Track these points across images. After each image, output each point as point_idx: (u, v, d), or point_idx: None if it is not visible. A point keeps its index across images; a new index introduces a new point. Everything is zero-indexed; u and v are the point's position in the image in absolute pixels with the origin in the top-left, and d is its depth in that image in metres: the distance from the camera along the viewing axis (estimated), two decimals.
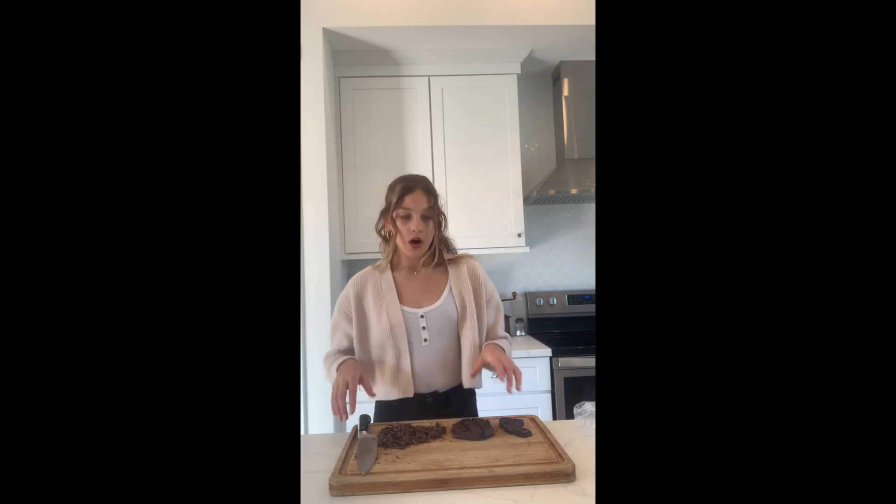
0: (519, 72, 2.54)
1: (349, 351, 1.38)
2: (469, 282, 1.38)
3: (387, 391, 1.33)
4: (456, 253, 1.44)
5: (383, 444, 1.04)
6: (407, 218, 1.31)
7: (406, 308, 1.34)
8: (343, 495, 0.86)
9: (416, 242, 1.32)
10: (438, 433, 1.10)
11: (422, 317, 1.34)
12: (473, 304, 1.36)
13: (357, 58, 2.44)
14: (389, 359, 1.33)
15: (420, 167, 2.47)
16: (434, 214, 1.33)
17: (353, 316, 1.37)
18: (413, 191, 1.31)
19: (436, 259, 1.38)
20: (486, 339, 1.38)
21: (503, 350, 1.31)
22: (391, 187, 1.36)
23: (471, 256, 1.45)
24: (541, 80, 2.84)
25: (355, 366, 1.27)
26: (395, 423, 1.16)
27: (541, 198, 2.51)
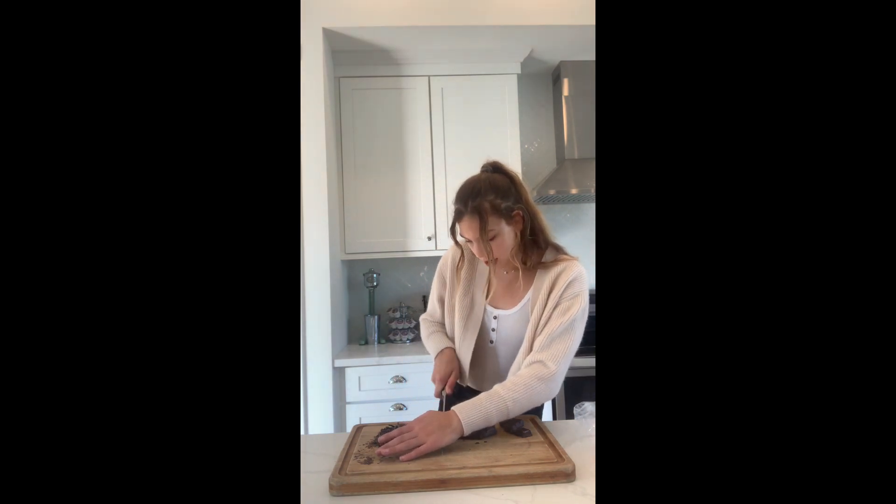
0: (519, 72, 2.54)
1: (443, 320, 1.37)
2: (547, 291, 1.17)
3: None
4: (560, 255, 1.22)
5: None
6: (469, 242, 1.19)
7: (487, 304, 1.25)
8: (343, 495, 0.86)
9: (492, 261, 1.19)
10: None
11: (495, 318, 1.25)
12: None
13: (357, 58, 2.44)
14: (457, 343, 1.28)
15: (420, 167, 2.47)
16: (499, 229, 1.14)
17: (448, 281, 1.31)
18: (462, 217, 1.15)
19: (527, 261, 1.20)
20: (531, 358, 1.12)
21: (479, 406, 1.02)
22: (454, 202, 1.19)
23: (572, 261, 1.19)
24: (541, 80, 2.83)
25: (451, 361, 1.26)
26: (394, 423, 1.16)
27: (541, 198, 2.51)
